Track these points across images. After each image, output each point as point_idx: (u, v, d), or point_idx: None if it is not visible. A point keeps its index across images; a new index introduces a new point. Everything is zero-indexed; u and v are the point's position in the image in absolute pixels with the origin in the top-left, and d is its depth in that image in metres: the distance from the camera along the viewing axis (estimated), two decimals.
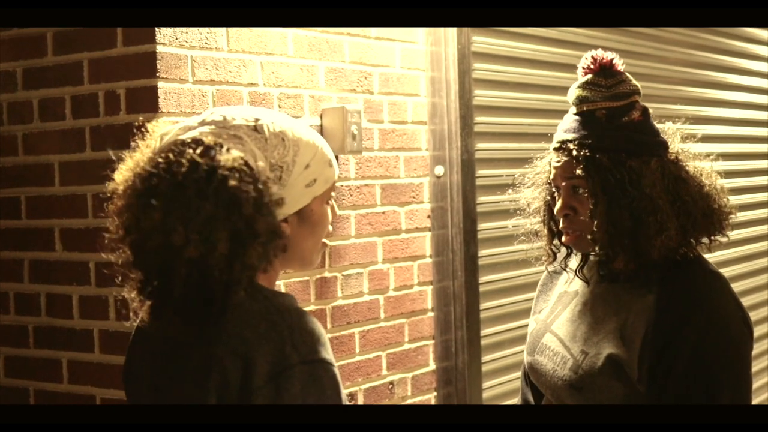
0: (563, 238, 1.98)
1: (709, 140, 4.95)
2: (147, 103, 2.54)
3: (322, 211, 1.65)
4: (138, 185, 1.50)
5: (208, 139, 1.52)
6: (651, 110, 1.99)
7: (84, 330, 2.71)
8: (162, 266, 1.48)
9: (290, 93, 2.87)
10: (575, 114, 1.96)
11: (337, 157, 2.17)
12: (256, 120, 1.59)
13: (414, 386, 3.30)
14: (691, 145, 2.01)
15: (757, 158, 5.49)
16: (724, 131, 5.15)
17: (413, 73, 3.32)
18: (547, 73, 3.84)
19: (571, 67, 3.94)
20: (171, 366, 1.56)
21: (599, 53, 1.96)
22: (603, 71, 1.95)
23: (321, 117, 2.96)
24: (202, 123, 1.58)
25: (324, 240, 1.69)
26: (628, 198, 1.85)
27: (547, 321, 2.08)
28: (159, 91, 2.53)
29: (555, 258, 2.08)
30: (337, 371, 1.53)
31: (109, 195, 1.57)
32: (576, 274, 2.06)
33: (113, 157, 1.60)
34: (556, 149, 1.95)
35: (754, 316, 5.33)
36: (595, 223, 1.88)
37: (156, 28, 2.52)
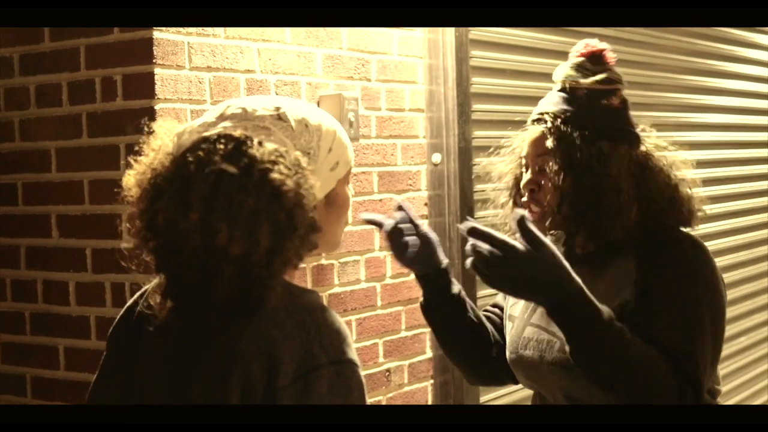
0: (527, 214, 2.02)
1: (707, 128, 4.98)
2: (144, 89, 2.54)
3: (345, 193, 1.63)
4: (165, 187, 1.46)
5: (237, 133, 1.48)
6: (630, 101, 2.03)
7: (80, 317, 2.71)
8: (202, 267, 1.44)
9: (287, 80, 2.87)
10: (558, 91, 2.03)
11: None
12: (277, 108, 1.55)
13: (411, 374, 3.31)
14: (668, 135, 2.06)
15: (756, 147, 5.49)
16: (722, 120, 5.15)
17: (411, 60, 3.31)
18: (546, 60, 3.83)
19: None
20: (193, 361, 1.50)
21: (594, 42, 2.03)
22: (593, 58, 2.02)
23: (318, 104, 2.95)
24: (222, 117, 1.53)
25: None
26: (592, 176, 1.90)
27: (524, 317, 2.09)
28: (156, 77, 2.52)
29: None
30: (361, 372, 1.49)
31: (122, 199, 1.52)
32: None
33: (118, 145, 1.56)
34: (534, 121, 2.03)
35: (753, 303, 5.34)
36: (558, 198, 1.93)
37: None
